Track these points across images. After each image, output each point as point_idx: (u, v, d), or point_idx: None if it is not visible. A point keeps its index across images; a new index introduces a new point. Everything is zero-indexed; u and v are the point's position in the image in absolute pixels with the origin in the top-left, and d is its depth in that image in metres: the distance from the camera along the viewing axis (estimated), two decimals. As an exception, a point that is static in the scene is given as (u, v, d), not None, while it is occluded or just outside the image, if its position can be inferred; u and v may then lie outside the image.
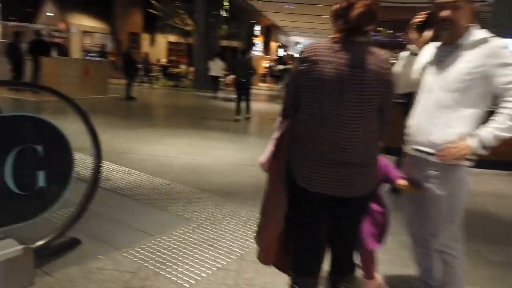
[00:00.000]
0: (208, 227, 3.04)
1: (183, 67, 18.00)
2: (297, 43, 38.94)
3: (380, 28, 12.40)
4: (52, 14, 18.65)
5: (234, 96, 12.76)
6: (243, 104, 8.94)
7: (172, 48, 22.56)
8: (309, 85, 1.54)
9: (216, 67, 13.50)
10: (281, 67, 13.90)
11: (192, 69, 17.07)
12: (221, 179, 4.38)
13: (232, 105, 11.83)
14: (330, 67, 1.50)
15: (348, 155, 1.54)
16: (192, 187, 3.97)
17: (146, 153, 5.22)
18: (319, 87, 1.51)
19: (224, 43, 17.88)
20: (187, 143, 6.04)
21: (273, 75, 22.36)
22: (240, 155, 5.58)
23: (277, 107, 9.65)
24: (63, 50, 11.89)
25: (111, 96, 11.19)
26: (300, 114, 1.60)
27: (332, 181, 1.56)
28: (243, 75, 8.82)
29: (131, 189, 3.78)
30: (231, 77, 12.65)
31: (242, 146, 6.22)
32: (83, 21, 18.94)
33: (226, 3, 15.47)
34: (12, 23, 17.16)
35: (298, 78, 1.59)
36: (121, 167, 4.46)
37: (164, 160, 4.93)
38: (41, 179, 2.17)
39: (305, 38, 35.97)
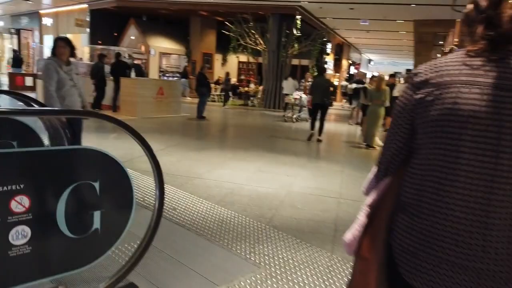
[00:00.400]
0: (279, 277, 2.59)
1: (252, 86, 18.08)
2: (370, 60, 37.58)
3: None
4: (133, 38, 20.01)
5: (301, 114, 12.43)
6: (317, 124, 8.65)
7: (242, 68, 22.93)
8: (434, 121, 1.00)
9: (289, 86, 13.57)
10: (354, 85, 13.19)
11: (261, 88, 17.05)
12: (292, 212, 3.93)
13: (302, 125, 11.44)
14: (473, 92, 0.96)
15: (497, 234, 0.94)
16: (261, 221, 3.57)
17: (213, 178, 4.96)
18: (454, 123, 0.97)
19: (294, 61, 17.66)
20: (256, 168, 5.70)
21: (345, 94, 21.59)
22: (312, 183, 5.09)
23: (349, 129, 9.09)
24: (141, 71, 12.49)
25: (183, 115, 11.42)
26: (413, 167, 1.07)
27: (471, 283, 0.96)
28: (322, 95, 8.41)
29: (195, 221, 3.49)
30: (297, 94, 12.24)
31: (314, 173, 5.72)
32: (161, 43, 20.03)
33: (298, 22, 15.23)
34: (99, 46, 18.65)
35: (413, 112, 1.06)
36: (187, 194, 4.22)
37: (232, 187, 4.62)
38: (97, 220, 1.92)
39: (378, 56, 34.61)
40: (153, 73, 19.52)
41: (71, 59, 4.22)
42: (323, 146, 8.52)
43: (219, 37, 19.54)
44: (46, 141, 3.02)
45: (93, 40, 19.33)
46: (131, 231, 2.11)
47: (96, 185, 1.89)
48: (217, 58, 21.38)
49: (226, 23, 16.24)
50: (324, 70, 9.12)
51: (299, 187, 4.91)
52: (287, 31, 15.39)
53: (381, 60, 39.14)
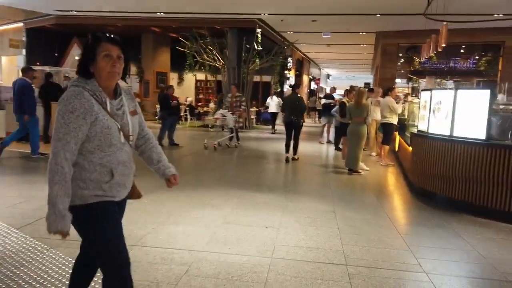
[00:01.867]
0: None
1: (212, 106, 16.63)
2: (329, 75, 37.48)
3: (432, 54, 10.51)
4: (77, 58, 18.04)
5: (226, 138, 10.64)
6: (291, 143, 8.18)
7: (200, 86, 21.52)
8: None
9: (274, 104, 14.24)
10: (324, 101, 12.12)
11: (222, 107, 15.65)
12: (285, 305, 2.48)
13: (268, 146, 10.05)
14: None
15: None
16: None
17: (160, 244, 3.41)
18: None
19: (255, 78, 16.49)
20: (222, 218, 4.21)
21: (314, 109, 20.84)
22: (302, 239, 3.66)
23: (320, 148, 7.64)
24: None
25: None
26: None
27: None
28: (294, 113, 7.89)
29: None
30: (219, 114, 10.21)
31: (300, 219, 4.31)
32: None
33: (259, 36, 14.07)
34: (37, 68, 16.52)
35: None
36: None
37: (188, 261, 3.09)
38: None
39: (337, 70, 34.50)
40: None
41: (122, 84, 1.93)
42: (299, 172, 7.18)
43: (174, 55, 18.03)
44: None
45: (30, 62, 17.14)
46: None
47: None
48: (173, 77, 19.82)
49: (181, 39, 14.81)
50: (297, 86, 8.22)
51: (285, 247, 3.46)
52: (248, 46, 14.20)
53: (339, 75, 39.25)
